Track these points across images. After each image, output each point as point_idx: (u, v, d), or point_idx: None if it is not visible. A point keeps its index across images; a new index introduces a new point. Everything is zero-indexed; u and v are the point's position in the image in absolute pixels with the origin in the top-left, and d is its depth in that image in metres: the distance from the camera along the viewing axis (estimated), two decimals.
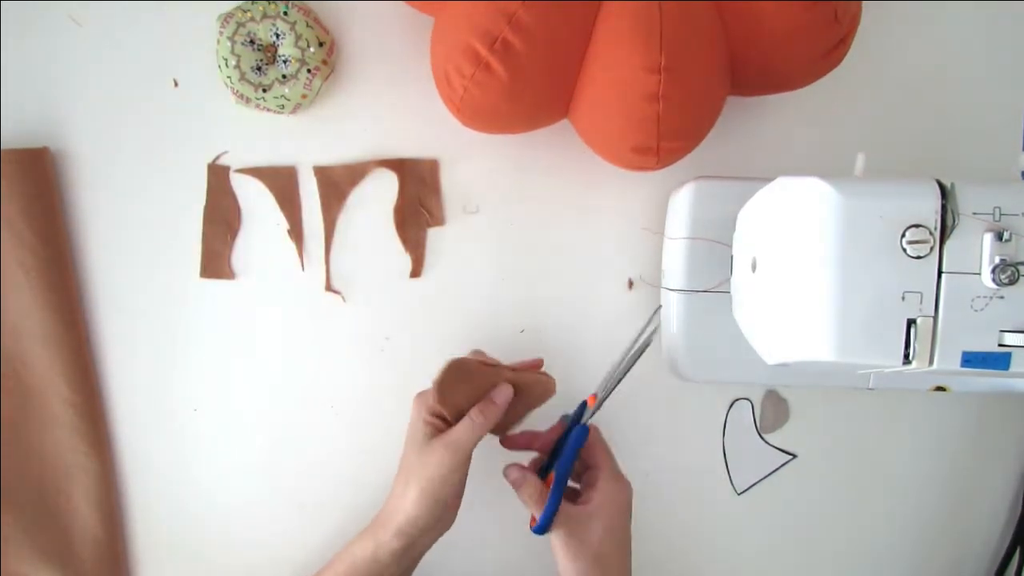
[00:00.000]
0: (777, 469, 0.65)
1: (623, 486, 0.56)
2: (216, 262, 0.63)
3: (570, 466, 0.55)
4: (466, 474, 0.54)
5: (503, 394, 0.54)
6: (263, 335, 0.64)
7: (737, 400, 0.65)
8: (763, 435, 0.65)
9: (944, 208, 0.43)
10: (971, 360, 0.43)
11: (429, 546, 0.55)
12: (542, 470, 0.57)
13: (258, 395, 0.64)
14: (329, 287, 0.64)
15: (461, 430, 0.53)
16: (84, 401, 0.62)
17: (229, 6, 0.60)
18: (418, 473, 0.52)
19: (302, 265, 0.64)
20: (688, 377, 0.61)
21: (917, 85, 0.65)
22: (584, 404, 0.57)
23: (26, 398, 0.62)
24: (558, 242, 0.64)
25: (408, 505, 0.52)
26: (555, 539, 0.53)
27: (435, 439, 0.53)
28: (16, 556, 0.61)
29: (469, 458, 0.53)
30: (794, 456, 0.65)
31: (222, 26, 0.60)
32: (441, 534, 0.55)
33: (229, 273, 0.64)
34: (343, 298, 0.64)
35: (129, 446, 0.64)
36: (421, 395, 0.56)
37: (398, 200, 0.64)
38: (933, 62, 0.65)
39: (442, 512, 0.53)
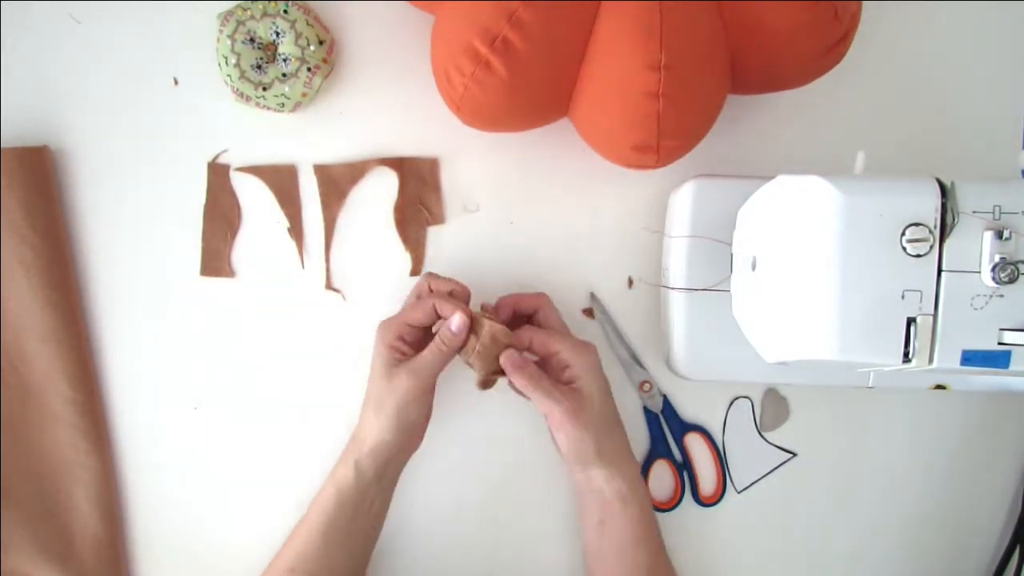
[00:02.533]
0: (777, 467, 0.65)
1: (589, 347, 0.57)
2: (216, 260, 0.63)
3: None
4: (432, 398, 0.57)
5: (457, 322, 0.55)
6: (263, 333, 0.64)
7: (737, 399, 0.65)
8: (763, 433, 0.65)
9: (944, 206, 0.43)
10: (971, 358, 0.43)
11: (402, 466, 0.59)
12: None
13: (258, 393, 0.64)
14: (329, 285, 0.64)
15: (426, 356, 0.55)
16: (84, 399, 0.62)
17: (229, 4, 0.60)
18: (387, 398, 0.55)
19: (302, 263, 0.64)
20: (688, 376, 0.61)
21: (917, 83, 0.65)
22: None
23: (26, 396, 0.62)
24: (558, 241, 0.64)
25: (380, 429, 0.55)
26: (561, 416, 0.54)
27: (401, 365, 0.55)
28: (16, 553, 0.61)
29: (434, 383, 0.56)
30: (794, 454, 0.65)
31: (222, 24, 0.60)
32: (411, 454, 0.59)
33: (229, 271, 0.64)
34: (343, 296, 0.64)
35: (129, 444, 0.64)
36: (385, 323, 0.57)
37: (398, 199, 0.64)
38: (933, 61, 0.65)
39: (412, 432, 0.57)
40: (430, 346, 0.55)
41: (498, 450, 0.64)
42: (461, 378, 0.60)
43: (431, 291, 0.58)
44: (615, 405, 0.58)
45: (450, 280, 0.58)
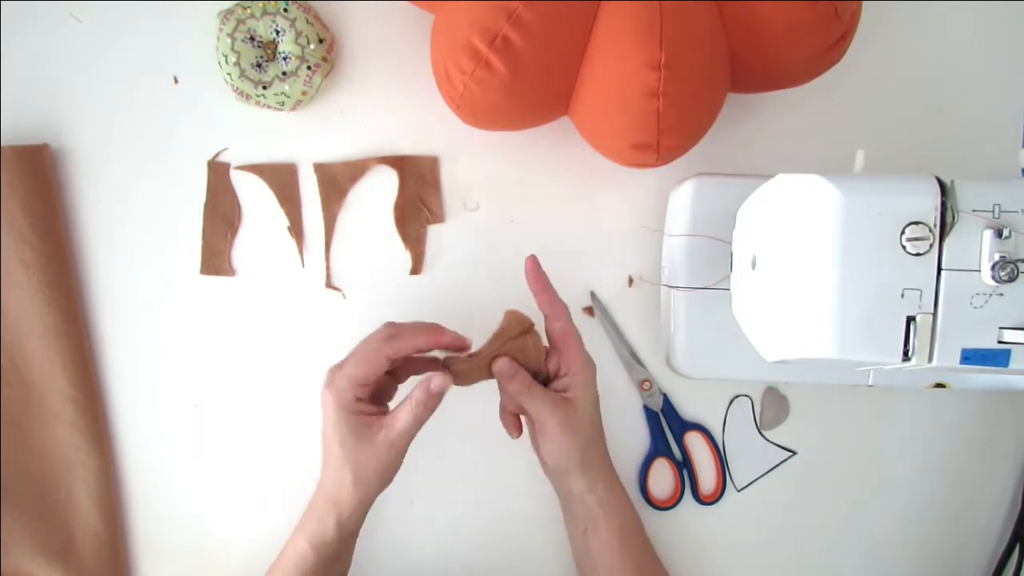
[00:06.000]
0: (777, 466, 0.65)
1: (590, 364, 0.56)
2: (216, 259, 0.64)
3: None
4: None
5: (438, 383, 0.52)
6: (263, 332, 0.64)
7: (737, 397, 0.65)
8: (763, 432, 0.65)
9: (944, 205, 0.43)
10: (970, 357, 0.43)
11: None
12: None
13: (258, 392, 0.64)
14: (329, 284, 0.64)
15: (403, 423, 0.52)
16: (85, 397, 0.62)
17: (229, 3, 0.60)
18: (365, 466, 0.52)
19: (302, 262, 0.64)
20: (688, 374, 0.61)
21: (917, 82, 0.65)
22: None
23: (27, 394, 0.62)
24: (558, 239, 0.64)
25: (362, 493, 0.53)
26: (555, 426, 0.53)
27: (375, 431, 0.52)
28: (17, 552, 0.61)
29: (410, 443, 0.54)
30: (794, 453, 0.65)
31: (222, 23, 0.60)
32: None
33: (229, 270, 0.64)
34: (343, 295, 0.64)
35: (129, 442, 0.64)
36: (336, 377, 0.52)
37: (398, 197, 0.64)
38: (933, 60, 0.65)
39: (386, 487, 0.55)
40: (406, 409, 0.52)
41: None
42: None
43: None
44: (600, 419, 0.57)
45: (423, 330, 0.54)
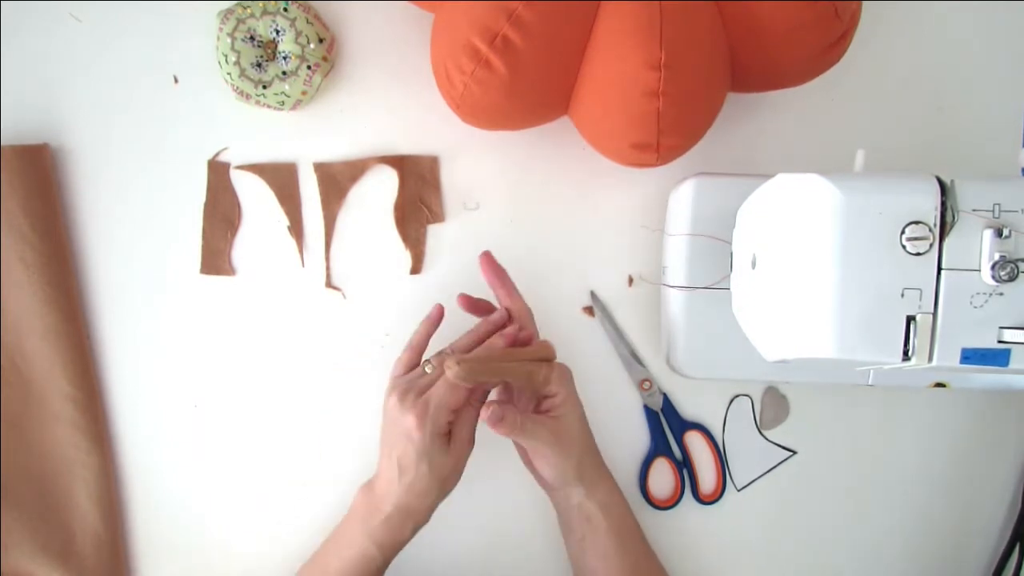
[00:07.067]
0: (777, 466, 0.65)
1: (566, 373, 0.56)
2: (216, 258, 0.64)
3: None
4: None
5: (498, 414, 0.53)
6: (263, 332, 0.64)
7: (737, 397, 0.65)
8: (763, 431, 0.65)
9: (944, 205, 0.43)
10: (970, 357, 0.43)
11: None
12: None
13: (258, 391, 0.64)
14: (329, 284, 0.64)
15: (470, 430, 0.55)
16: (85, 397, 0.62)
17: (229, 3, 0.60)
18: (447, 478, 0.55)
19: (302, 262, 0.64)
20: (688, 374, 0.61)
21: (917, 82, 0.65)
22: None
23: (27, 394, 0.62)
24: (558, 239, 0.64)
25: (436, 503, 0.55)
26: (544, 449, 0.54)
27: (449, 444, 0.54)
28: (17, 552, 0.61)
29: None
30: (793, 452, 0.65)
31: (222, 23, 0.60)
32: None
33: (229, 270, 0.64)
34: (343, 295, 0.64)
35: (129, 442, 0.64)
36: (429, 406, 0.53)
37: (398, 197, 0.64)
38: (933, 60, 0.65)
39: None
40: (472, 417, 0.55)
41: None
42: None
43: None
44: (588, 424, 0.58)
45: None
